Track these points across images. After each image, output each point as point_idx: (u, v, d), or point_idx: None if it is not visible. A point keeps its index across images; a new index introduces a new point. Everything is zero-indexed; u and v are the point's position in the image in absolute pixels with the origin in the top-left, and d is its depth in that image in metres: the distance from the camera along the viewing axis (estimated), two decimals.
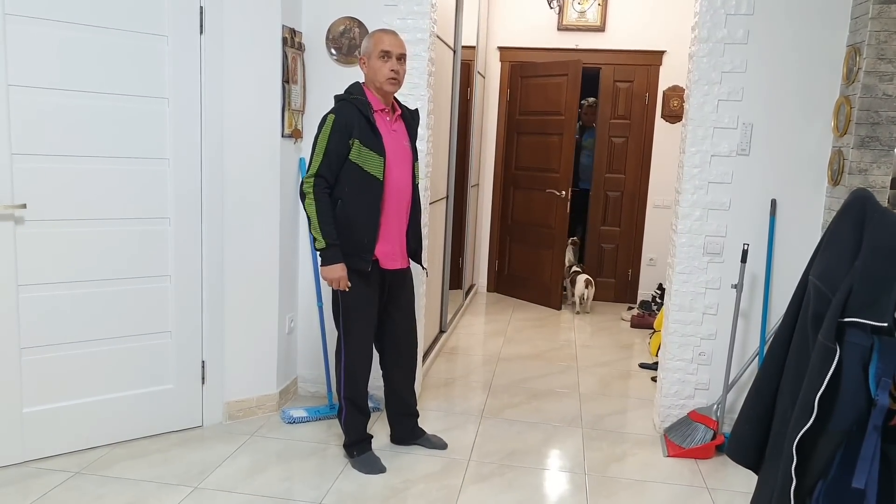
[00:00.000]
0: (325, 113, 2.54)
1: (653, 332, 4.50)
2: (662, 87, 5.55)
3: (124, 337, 2.79)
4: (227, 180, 2.95)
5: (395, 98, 2.66)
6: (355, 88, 2.57)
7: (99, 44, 2.58)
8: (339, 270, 2.50)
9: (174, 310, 2.88)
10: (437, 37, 3.48)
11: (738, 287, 2.96)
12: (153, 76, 2.71)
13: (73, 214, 2.61)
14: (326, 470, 2.68)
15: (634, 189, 5.73)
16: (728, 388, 3.02)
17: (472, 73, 5.11)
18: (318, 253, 2.52)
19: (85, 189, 2.62)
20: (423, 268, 2.90)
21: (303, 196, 2.50)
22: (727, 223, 3.01)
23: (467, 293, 5.57)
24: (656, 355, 4.30)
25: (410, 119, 2.70)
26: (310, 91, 3.22)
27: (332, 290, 2.60)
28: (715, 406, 3.04)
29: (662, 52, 5.49)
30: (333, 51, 3.19)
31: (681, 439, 2.97)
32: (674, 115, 5.56)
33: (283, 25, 2.97)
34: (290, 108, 3.07)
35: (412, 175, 2.66)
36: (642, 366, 4.17)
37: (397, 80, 2.54)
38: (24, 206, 2.49)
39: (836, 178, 2.82)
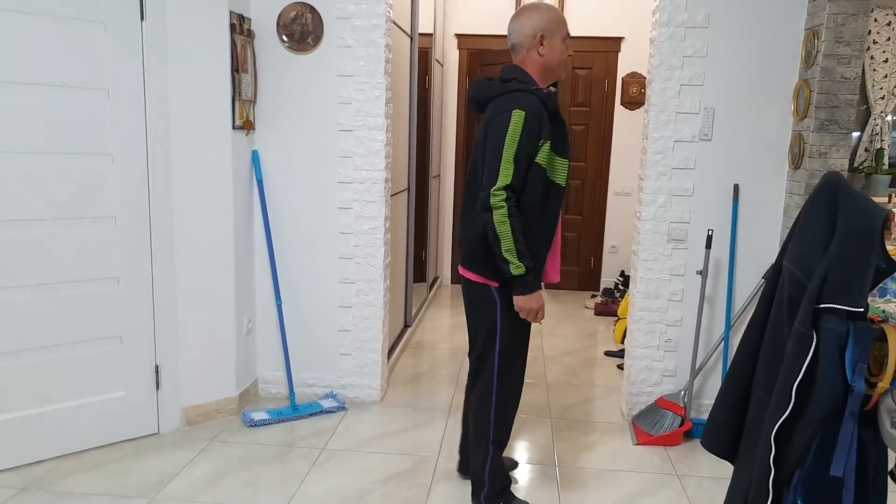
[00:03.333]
0: (504, 105, 2.07)
1: (617, 320, 4.51)
2: (621, 73, 5.55)
3: (70, 343, 2.63)
4: (175, 175, 2.81)
5: None
6: (521, 73, 2.14)
7: (29, 30, 2.40)
8: (541, 298, 2.10)
9: (123, 313, 2.74)
10: (394, 23, 3.38)
11: (704, 273, 2.96)
12: (90, 65, 2.55)
13: (8, 215, 2.44)
14: (291, 474, 2.58)
15: (595, 176, 5.73)
16: (695, 373, 3.02)
17: (430, 60, 5.02)
18: (516, 279, 2.06)
19: (19, 187, 2.45)
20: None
21: (489, 210, 2.03)
22: (691, 209, 3.00)
23: (431, 286, 5.50)
24: (621, 342, 4.31)
25: None
26: (261, 80, 3.09)
27: (488, 320, 2.20)
28: (682, 392, 3.04)
29: (621, 39, 5.48)
30: (285, 38, 3.06)
31: (649, 427, 2.96)
32: (633, 102, 5.56)
33: (231, 11, 2.82)
34: (240, 98, 2.93)
35: None
36: (608, 353, 4.17)
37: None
38: None
39: (796, 162, 2.83)
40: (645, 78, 5.48)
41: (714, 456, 1.63)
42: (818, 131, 2.73)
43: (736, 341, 3.04)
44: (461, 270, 2.28)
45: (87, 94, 2.56)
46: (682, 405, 2.99)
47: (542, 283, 2.24)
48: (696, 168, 2.98)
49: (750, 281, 3.01)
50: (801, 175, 2.79)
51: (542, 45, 2.14)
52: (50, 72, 2.46)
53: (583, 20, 5.45)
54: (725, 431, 1.52)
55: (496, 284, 2.17)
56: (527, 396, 3.42)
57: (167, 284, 2.83)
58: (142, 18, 2.64)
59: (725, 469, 1.67)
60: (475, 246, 2.17)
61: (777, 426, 1.28)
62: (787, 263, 1.41)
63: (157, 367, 2.85)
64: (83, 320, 2.65)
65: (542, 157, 2.06)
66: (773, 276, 1.48)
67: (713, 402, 2.99)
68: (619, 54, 5.54)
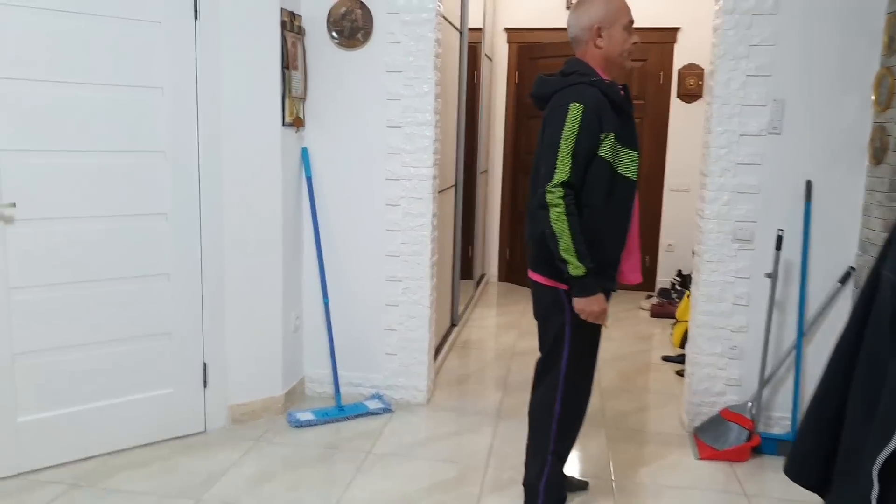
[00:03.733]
0: (561, 100, 1.98)
1: (675, 322, 4.32)
2: (677, 65, 5.33)
3: (121, 339, 2.64)
4: (225, 172, 2.79)
5: None
6: (582, 66, 2.05)
7: (88, 32, 2.41)
8: (602, 301, 1.99)
9: (173, 310, 2.73)
10: (443, 17, 3.29)
11: (773, 276, 2.77)
12: (146, 64, 2.55)
13: (65, 212, 2.46)
14: (337, 477, 2.53)
15: (650, 172, 5.52)
16: (763, 383, 2.84)
17: (480, 55, 4.91)
18: (575, 280, 1.95)
19: (77, 185, 2.47)
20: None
21: (545, 208, 1.93)
22: (758, 207, 2.82)
23: (478, 283, 5.41)
24: (680, 347, 4.13)
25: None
26: (311, 77, 3.05)
27: (557, 324, 2.10)
28: (749, 404, 2.86)
29: (677, 30, 5.26)
30: (335, 34, 3.01)
31: (713, 440, 2.79)
32: (690, 95, 5.34)
33: (282, 8, 2.79)
34: (290, 95, 2.90)
35: None
36: (665, 358, 3.99)
37: (632, 57, 2.12)
38: (14, 204, 2.34)
39: (878, 157, 2.61)
40: (703, 70, 5.25)
41: (789, 480, 1.48)
42: None
43: (810, 350, 2.85)
44: (529, 273, 2.19)
45: (143, 93, 2.56)
46: (749, 417, 2.81)
47: (616, 285, 2.11)
48: (763, 164, 2.79)
49: (825, 285, 2.81)
50: (884, 171, 2.57)
51: (599, 36, 2.04)
52: (109, 71, 2.47)
53: (637, 11, 5.19)
54: (814, 460, 1.36)
55: (564, 287, 2.05)
56: None
57: (216, 281, 2.82)
58: (195, 17, 2.63)
59: (799, 492, 1.52)
60: (540, 247, 2.07)
61: (881, 461, 1.13)
62: (889, 273, 1.25)
63: (205, 364, 2.85)
64: (134, 316, 2.66)
65: (605, 150, 1.96)
66: (869, 288, 1.32)
67: (787, 417, 2.84)
68: (676, 45, 5.32)
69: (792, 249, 2.81)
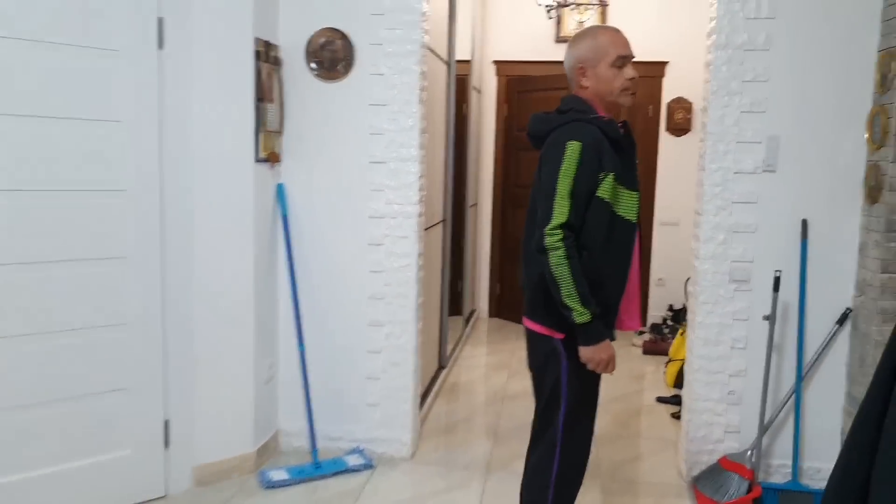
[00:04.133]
0: (558, 138, 1.88)
1: (668, 361, 4.18)
2: (666, 98, 5.28)
3: (72, 398, 2.40)
4: (193, 212, 2.63)
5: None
6: (579, 103, 1.94)
7: (39, 60, 2.25)
8: (610, 348, 1.88)
9: (131, 362, 2.52)
10: (430, 49, 3.20)
11: (771, 319, 2.65)
12: (103, 97, 2.39)
13: (13, 257, 2.26)
14: None
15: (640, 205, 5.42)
16: (763, 430, 2.70)
17: (468, 88, 4.84)
18: (580, 328, 1.83)
19: (27, 226, 2.28)
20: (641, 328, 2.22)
21: (544, 252, 1.83)
22: (754, 247, 2.71)
23: (467, 320, 5.25)
24: (674, 387, 3.98)
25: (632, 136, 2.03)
26: (288, 110, 2.93)
27: (553, 375, 1.97)
28: (749, 452, 2.71)
29: (665, 63, 5.23)
30: (314, 65, 2.90)
31: (713, 491, 2.64)
32: (679, 129, 5.28)
33: (257, 38, 2.68)
34: (265, 129, 2.78)
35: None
36: (660, 399, 3.85)
37: (632, 92, 1.98)
38: None
39: (873, 196, 2.52)
40: (691, 103, 5.21)
41: None
42: None
43: (808, 394, 2.72)
44: (524, 320, 2.05)
45: (101, 127, 2.40)
46: (749, 467, 2.66)
47: (616, 333, 1.98)
48: (759, 202, 2.69)
49: (822, 327, 2.69)
50: (880, 210, 2.48)
51: (584, 76, 1.96)
52: (62, 104, 2.32)
53: None
54: None
55: (561, 336, 1.93)
56: None
57: (181, 330, 2.64)
58: (160, 47, 2.50)
59: None
60: (535, 291, 1.95)
61: None
62: None
63: (166, 421, 2.63)
64: (87, 371, 2.43)
65: (604, 190, 1.85)
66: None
67: (787, 464, 2.68)
68: (664, 79, 5.28)
69: (789, 290, 2.69)
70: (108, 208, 2.45)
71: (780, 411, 2.74)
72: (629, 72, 1.94)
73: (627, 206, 1.92)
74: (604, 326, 1.87)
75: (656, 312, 5.41)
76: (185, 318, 2.65)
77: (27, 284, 2.30)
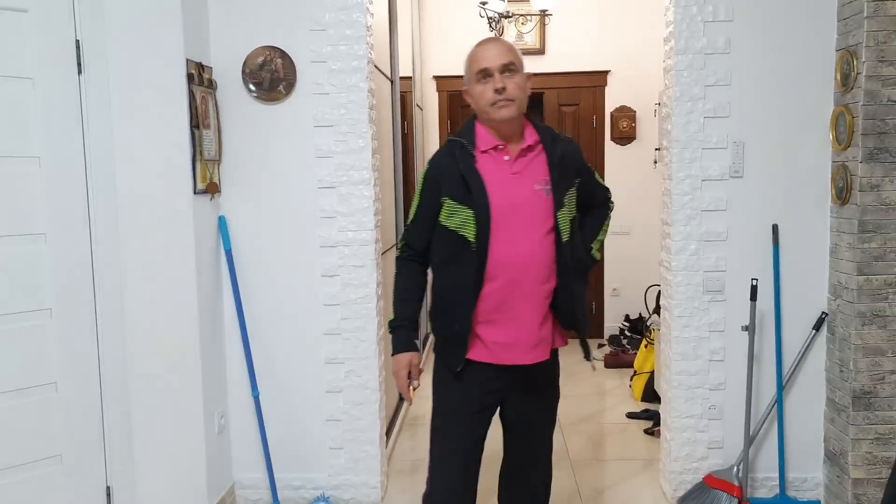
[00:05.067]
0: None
1: (634, 374, 4.10)
2: (609, 108, 5.28)
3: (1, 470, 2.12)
4: (126, 253, 2.36)
5: (535, 124, 1.91)
6: (467, 124, 1.91)
7: None
8: (397, 362, 1.86)
9: (64, 427, 2.24)
10: (375, 66, 3.01)
11: (750, 329, 2.57)
12: (16, 130, 2.11)
13: None
14: None
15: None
16: (749, 443, 2.61)
17: (411, 105, 4.67)
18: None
19: None
20: (588, 358, 2.02)
21: None
22: (726, 255, 2.64)
23: (424, 343, 5.04)
24: (642, 400, 3.90)
25: (557, 152, 1.86)
26: (227, 136, 2.68)
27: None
28: (735, 467, 2.62)
29: (607, 73, 5.23)
30: (252, 87, 2.66)
31: None
32: (624, 137, 5.28)
33: (188, 60, 2.43)
34: (202, 157, 2.51)
35: (554, 230, 1.82)
36: (630, 415, 3.74)
37: (509, 101, 1.79)
38: None
39: (842, 197, 2.49)
40: (635, 112, 5.22)
41: None
42: (867, 161, 2.40)
43: (789, 404, 2.65)
44: None
45: (13, 164, 2.12)
46: (736, 483, 2.57)
47: (461, 360, 1.83)
48: (728, 209, 2.62)
49: (799, 334, 2.63)
50: (851, 211, 2.44)
51: (467, 96, 1.91)
52: None
53: (566, 56, 5.19)
54: None
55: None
56: None
57: (118, 385, 2.36)
58: (79, 72, 2.23)
59: None
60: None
61: None
62: None
63: (108, 488, 2.35)
64: (14, 440, 2.15)
65: (443, 213, 1.83)
66: None
67: (773, 477, 2.58)
68: (606, 88, 5.27)
69: (763, 298, 2.63)
70: (27, 256, 2.15)
71: (762, 423, 2.66)
72: (493, 82, 1.79)
73: (463, 223, 1.80)
74: (406, 340, 1.88)
75: (612, 323, 5.35)
76: (122, 373, 2.37)
77: None
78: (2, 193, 2.10)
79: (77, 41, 2.22)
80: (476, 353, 1.83)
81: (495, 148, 1.83)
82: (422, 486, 2.68)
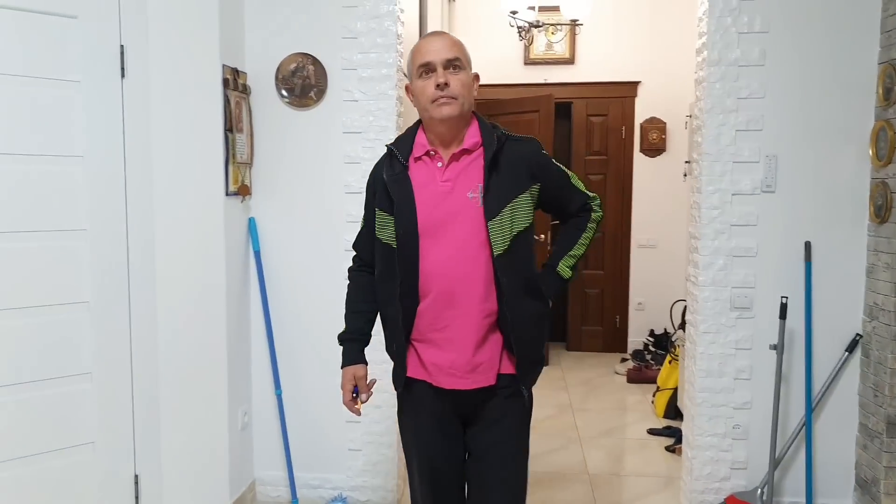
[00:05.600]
0: None
1: (657, 390, 4.04)
2: (639, 119, 5.24)
3: (35, 455, 2.20)
4: (159, 250, 2.42)
5: (482, 124, 1.70)
6: (409, 129, 1.76)
7: None
8: (342, 376, 1.78)
9: (97, 415, 2.31)
10: (404, 73, 3.03)
11: (779, 348, 2.52)
12: (62, 131, 2.20)
13: None
14: None
15: (616, 229, 5.35)
16: (774, 465, 2.56)
17: None
18: None
19: None
20: (524, 390, 1.71)
21: None
22: (755, 272, 2.59)
23: None
24: (664, 417, 3.85)
25: (501, 153, 1.65)
26: (258, 140, 2.72)
27: None
28: (759, 490, 2.57)
29: (637, 83, 5.19)
30: (284, 92, 2.70)
31: None
32: (653, 149, 5.24)
33: (224, 65, 2.48)
34: (234, 160, 2.56)
35: (486, 242, 1.61)
36: (652, 432, 3.69)
37: (452, 98, 1.61)
38: None
39: (881, 215, 2.43)
40: (665, 123, 5.17)
41: None
42: None
43: (819, 427, 2.59)
44: None
45: (58, 163, 2.21)
46: None
47: (401, 381, 1.73)
48: (758, 224, 2.58)
49: (831, 355, 2.58)
50: (890, 230, 2.39)
51: (409, 94, 1.73)
52: (15, 139, 2.11)
53: (596, 66, 5.18)
54: None
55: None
56: (568, 494, 2.94)
57: (148, 378, 2.42)
58: (122, 76, 2.30)
59: None
60: None
61: None
62: None
63: (136, 476, 2.42)
64: (50, 426, 2.23)
65: (376, 224, 1.73)
66: None
67: (800, 502, 2.54)
68: (636, 99, 5.24)
69: (794, 316, 2.58)
70: (68, 251, 2.23)
71: (790, 445, 2.60)
72: (434, 78, 1.61)
73: (387, 232, 1.68)
74: (353, 353, 1.80)
75: (636, 338, 5.29)
76: (153, 366, 2.43)
77: None
78: (48, 191, 2.18)
79: (121, 46, 2.29)
80: (416, 372, 1.69)
81: (427, 154, 1.67)
82: None
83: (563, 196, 1.76)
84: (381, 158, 1.76)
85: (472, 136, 1.66)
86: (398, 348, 1.71)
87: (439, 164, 1.65)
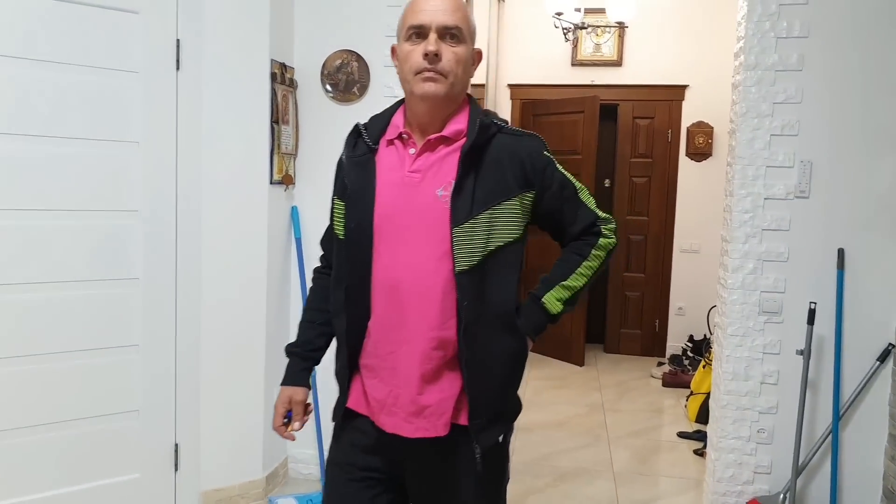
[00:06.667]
0: None
1: (690, 394, 4.03)
2: (686, 123, 5.20)
3: (83, 419, 2.37)
4: (205, 233, 2.57)
5: (474, 110, 1.37)
6: (393, 105, 1.45)
7: (57, 81, 2.23)
8: (281, 399, 1.48)
9: (143, 385, 2.47)
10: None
11: (806, 353, 2.51)
12: (121, 117, 2.36)
13: (25, 277, 2.23)
14: None
15: (659, 232, 5.32)
16: (798, 472, 2.54)
17: None
18: None
19: (39, 248, 2.25)
20: (477, 454, 1.31)
21: None
22: (786, 277, 2.58)
23: None
24: (696, 422, 3.83)
25: (487, 146, 1.33)
26: (303, 132, 2.87)
27: None
28: (782, 495, 2.56)
29: (685, 87, 5.15)
30: (329, 87, 2.84)
31: None
32: (699, 153, 5.18)
33: (272, 60, 2.63)
34: (279, 151, 2.71)
35: (449, 254, 1.28)
36: (681, 435, 3.68)
37: (440, 75, 1.29)
38: None
39: None
40: (712, 128, 5.12)
41: None
42: None
43: (846, 435, 2.56)
44: None
45: (116, 148, 2.37)
46: None
47: (340, 415, 1.44)
48: (791, 229, 2.57)
49: (861, 364, 2.54)
50: None
51: (394, 57, 1.40)
52: (78, 124, 2.28)
53: (644, 68, 5.16)
54: None
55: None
56: (591, 489, 2.98)
57: (191, 353, 2.57)
58: (177, 68, 2.46)
59: None
60: None
61: None
62: None
63: (176, 445, 2.57)
64: (99, 393, 2.40)
65: (335, 217, 1.42)
66: None
67: None
68: (683, 103, 5.19)
69: (824, 323, 2.55)
70: (122, 229, 2.41)
71: (815, 452, 2.58)
72: (424, 45, 1.28)
73: (339, 226, 1.41)
74: (294, 370, 1.49)
75: (675, 343, 5.26)
76: (195, 342, 2.58)
77: (37, 306, 2.25)
78: (106, 173, 2.35)
79: (177, 40, 2.45)
80: (358, 404, 1.40)
81: (400, 137, 1.36)
82: None
83: (564, 212, 1.41)
84: (345, 144, 1.43)
85: (458, 122, 1.34)
86: (340, 370, 1.41)
87: (411, 151, 1.34)
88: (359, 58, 2.81)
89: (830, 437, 2.55)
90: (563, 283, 1.41)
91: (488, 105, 4.93)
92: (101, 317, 2.38)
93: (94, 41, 2.28)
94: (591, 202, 1.43)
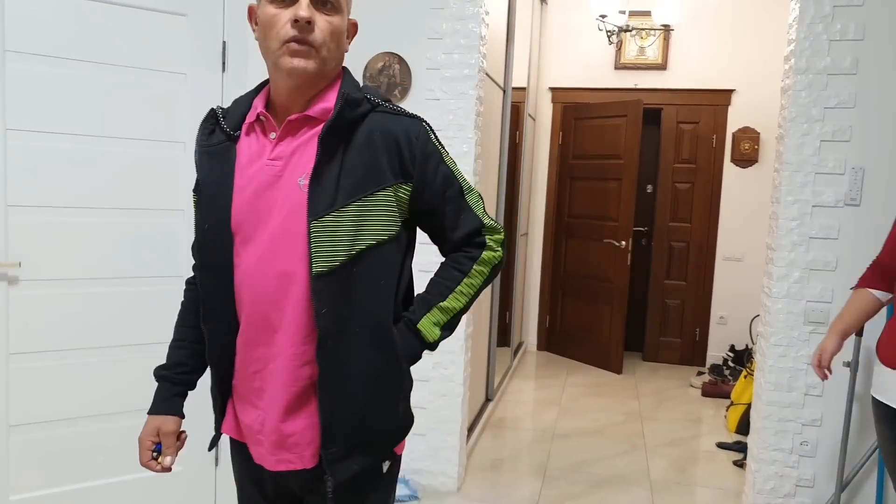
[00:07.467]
0: None
1: (730, 405, 3.94)
2: (731, 128, 5.09)
3: (130, 412, 2.44)
4: None
5: (346, 83, 1.18)
6: (260, 84, 1.27)
7: (106, 82, 2.30)
8: (144, 425, 1.27)
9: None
10: (486, 74, 3.14)
11: (853, 365, 2.43)
12: (168, 118, 2.43)
13: (75, 273, 2.31)
14: None
15: (702, 240, 5.22)
16: (842, 486, 2.46)
17: (523, 115, 4.76)
18: None
19: (90, 245, 2.32)
20: (328, 488, 1.15)
21: None
22: (833, 287, 2.51)
23: (515, 352, 5.10)
24: (736, 432, 3.74)
25: (360, 129, 1.14)
26: None
27: None
28: None
29: (731, 91, 5.04)
30: None
31: None
32: (745, 159, 5.07)
33: None
34: None
35: (307, 255, 1.10)
36: (721, 446, 3.60)
37: (312, 48, 1.10)
38: (19, 264, 2.20)
39: None
40: (758, 133, 5.00)
41: None
42: None
43: None
44: None
45: (164, 148, 2.44)
46: None
47: (217, 442, 1.28)
48: (840, 238, 2.50)
49: None
50: None
51: (255, 24, 1.17)
52: (127, 124, 2.36)
53: (689, 72, 5.07)
54: None
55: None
56: (626, 497, 2.94)
57: None
58: (223, 70, 2.52)
59: None
60: None
61: None
62: None
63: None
64: (145, 388, 2.45)
65: (196, 215, 1.23)
66: None
67: None
68: (729, 108, 5.09)
69: (872, 335, 2.46)
70: (169, 227, 2.47)
71: (860, 467, 2.50)
72: (299, 9, 1.08)
73: (196, 215, 1.22)
74: (162, 397, 1.28)
75: (716, 352, 5.15)
76: None
77: (94, 300, 2.34)
78: (154, 173, 2.42)
79: (224, 42, 2.51)
80: (231, 429, 1.26)
81: (260, 118, 1.17)
82: (496, 487, 2.78)
83: (446, 214, 1.19)
84: (201, 124, 1.25)
85: (326, 100, 1.14)
86: (212, 391, 1.25)
87: (272, 136, 1.15)
88: (401, 60, 2.84)
89: (877, 451, 2.47)
90: (441, 304, 1.21)
91: (528, 109, 4.92)
92: (147, 313, 2.44)
93: (143, 43, 2.35)
94: (478, 206, 1.22)
